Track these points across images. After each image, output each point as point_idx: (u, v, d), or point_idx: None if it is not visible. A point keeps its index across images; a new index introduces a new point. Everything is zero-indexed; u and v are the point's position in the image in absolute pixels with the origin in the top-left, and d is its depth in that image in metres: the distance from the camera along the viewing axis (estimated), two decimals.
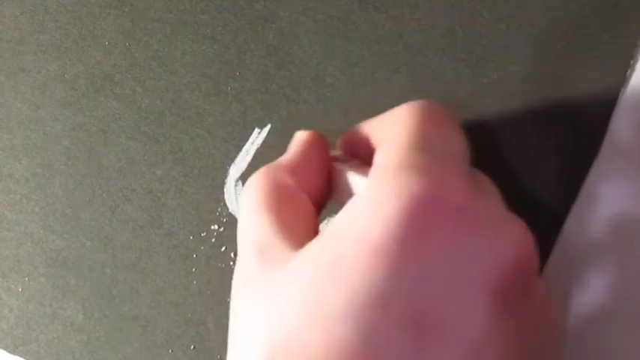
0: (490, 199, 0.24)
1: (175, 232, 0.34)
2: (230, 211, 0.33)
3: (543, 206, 0.30)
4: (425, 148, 0.23)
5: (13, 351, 0.35)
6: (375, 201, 0.21)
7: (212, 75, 0.34)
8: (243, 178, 0.33)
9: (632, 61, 0.30)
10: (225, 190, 0.33)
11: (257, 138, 0.33)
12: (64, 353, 0.35)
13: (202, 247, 0.33)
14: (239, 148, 0.33)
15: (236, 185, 0.33)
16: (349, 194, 0.25)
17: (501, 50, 0.31)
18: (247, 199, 0.25)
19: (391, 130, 0.24)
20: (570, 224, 0.30)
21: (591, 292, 0.30)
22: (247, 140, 0.33)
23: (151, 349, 0.34)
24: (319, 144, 0.27)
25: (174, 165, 0.34)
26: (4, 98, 0.36)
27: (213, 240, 0.33)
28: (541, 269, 0.30)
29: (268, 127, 0.33)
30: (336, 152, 0.28)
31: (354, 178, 0.25)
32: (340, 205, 0.24)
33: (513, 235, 0.22)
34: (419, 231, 0.21)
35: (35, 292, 0.35)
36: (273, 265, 0.23)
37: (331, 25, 0.32)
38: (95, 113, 0.35)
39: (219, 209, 0.33)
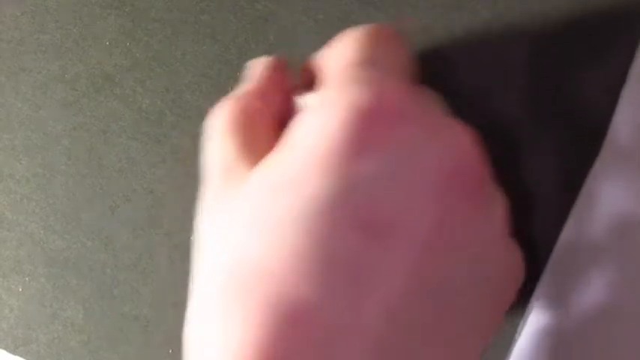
0: (432, 106, 0.25)
1: (176, 232, 0.34)
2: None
3: (543, 206, 0.31)
4: (368, 63, 0.24)
5: (13, 351, 0.35)
6: (317, 115, 0.23)
7: (213, 75, 0.34)
8: None
9: (633, 61, 0.30)
10: None
11: None
12: (65, 353, 0.35)
13: None
14: None
15: None
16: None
17: (501, 50, 0.31)
18: (215, 123, 0.26)
19: (335, 53, 0.26)
20: (570, 224, 0.30)
21: (591, 292, 0.30)
22: None
23: (151, 349, 0.34)
24: (279, 67, 0.28)
25: (175, 165, 0.34)
26: (5, 98, 0.36)
27: None
28: (541, 269, 0.31)
29: None
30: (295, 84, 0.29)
31: (305, 97, 0.26)
32: None
33: (455, 137, 0.23)
34: (362, 138, 0.22)
35: (35, 292, 0.35)
36: (235, 185, 0.24)
37: (332, 25, 0.33)
38: (96, 113, 0.35)
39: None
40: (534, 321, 0.30)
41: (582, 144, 0.30)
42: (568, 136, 0.31)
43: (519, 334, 0.31)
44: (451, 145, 0.23)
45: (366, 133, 0.22)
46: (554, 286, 0.30)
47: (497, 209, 0.25)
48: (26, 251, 0.35)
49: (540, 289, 0.31)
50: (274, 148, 0.24)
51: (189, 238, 0.34)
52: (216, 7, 0.34)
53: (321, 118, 0.22)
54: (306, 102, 0.26)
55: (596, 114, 0.30)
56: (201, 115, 0.34)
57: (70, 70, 0.35)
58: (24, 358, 0.35)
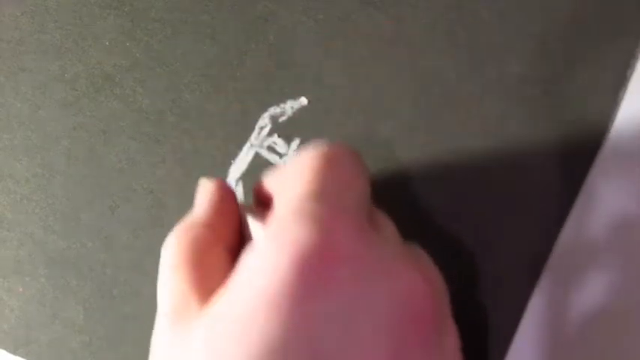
0: (387, 242, 0.25)
1: None
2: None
3: (544, 206, 0.31)
4: (318, 195, 0.24)
5: (13, 351, 0.35)
6: (266, 255, 0.22)
7: (213, 75, 0.34)
8: (244, 178, 0.34)
9: (632, 61, 0.30)
10: None
11: (257, 138, 0.34)
12: (65, 354, 0.35)
13: None
14: (239, 148, 0.34)
15: (236, 185, 0.34)
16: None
17: (502, 50, 0.31)
18: (163, 258, 0.26)
19: (289, 179, 0.25)
20: (570, 224, 0.30)
21: (591, 292, 0.30)
22: (248, 140, 0.34)
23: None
24: (227, 192, 0.28)
25: (175, 165, 0.34)
26: (5, 98, 0.36)
27: None
28: (542, 269, 0.31)
29: (269, 127, 0.34)
30: (247, 204, 0.29)
31: (254, 226, 0.26)
32: None
33: (407, 279, 0.23)
34: (310, 281, 0.22)
35: (36, 292, 0.35)
36: (188, 322, 0.24)
37: (332, 25, 0.33)
38: (95, 113, 0.35)
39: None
40: (534, 320, 0.31)
41: (583, 143, 0.31)
42: (568, 136, 0.31)
43: (519, 334, 0.31)
44: (402, 287, 0.23)
45: (315, 276, 0.22)
46: (554, 285, 0.31)
47: (449, 341, 0.25)
48: (26, 251, 0.35)
49: (540, 288, 0.31)
50: (225, 283, 0.24)
51: None
52: (216, 8, 0.34)
53: (268, 258, 0.22)
54: (253, 230, 0.26)
55: (596, 114, 0.30)
56: (201, 115, 0.34)
57: (69, 70, 0.35)
58: (24, 358, 0.35)
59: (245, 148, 0.34)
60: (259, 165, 0.34)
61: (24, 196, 0.36)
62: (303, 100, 0.33)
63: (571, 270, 0.30)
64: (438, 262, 0.31)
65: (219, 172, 0.34)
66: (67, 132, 0.35)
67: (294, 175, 0.25)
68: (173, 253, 0.25)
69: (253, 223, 0.27)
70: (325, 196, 0.24)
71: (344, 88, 0.33)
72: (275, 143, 0.34)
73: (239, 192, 0.34)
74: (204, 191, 0.28)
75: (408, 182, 0.32)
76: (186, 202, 0.34)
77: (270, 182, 0.27)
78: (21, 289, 0.36)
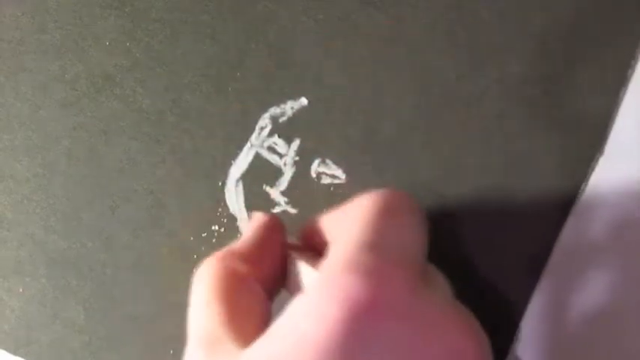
0: (439, 299, 0.25)
1: (176, 232, 0.34)
2: (231, 211, 0.34)
3: (544, 206, 0.31)
4: (374, 246, 0.23)
5: (14, 352, 0.36)
6: (318, 303, 0.22)
7: (213, 75, 0.34)
8: (244, 178, 0.34)
9: (632, 61, 0.30)
10: (225, 190, 0.34)
11: (257, 138, 0.34)
12: (66, 354, 0.35)
13: (203, 248, 0.34)
14: (240, 149, 0.34)
15: (237, 186, 0.34)
16: (299, 286, 0.26)
17: (501, 50, 0.31)
18: (197, 287, 0.25)
19: (344, 226, 0.25)
20: (570, 225, 0.31)
21: (591, 292, 0.30)
22: (248, 140, 0.34)
23: (152, 350, 0.34)
24: (275, 229, 0.28)
25: (175, 165, 0.34)
26: (5, 98, 0.36)
27: (213, 240, 0.34)
28: (542, 270, 0.31)
29: (269, 127, 0.34)
30: (294, 240, 0.29)
31: (306, 270, 0.26)
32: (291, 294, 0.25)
33: (453, 338, 0.23)
34: (359, 334, 0.21)
35: (36, 292, 0.35)
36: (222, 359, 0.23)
37: (332, 25, 0.33)
38: (96, 113, 0.35)
39: (220, 210, 0.34)
40: (534, 320, 0.31)
41: (584, 144, 0.31)
42: (569, 136, 0.31)
43: (519, 334, 0.31)
44: (452, 345, 0.23)
45: (363, 327, 0.22)
46: (554, 285, 0.31)
47: None
48: (27, 252, 0.36)
49: (541, 288, 0.31)
50: (265, 319, 0.24)
51: (189, 238, 0.34)
52: (216, 8, 0.34)
53: (319, 308, 0.22)
54: (303, 273, 0.26)
55: (597, 114, 0.30)
56: (201, 115, 0.34)
57: (70, 70, 0.36)
58: (25, 358, 0.36)
59: (245, 149, 0.34)
60: (260, 165, 0.34)
61: (24, 197, 0.36)
62: (304, 101, 0.33)
63: (571, 271, 0.30)
64: (440, 263, 0.31)
65: (219, 172, 0.34)
66: (67, 132, 0.35)
67: (351, 220, 0.25)
68: (207, 284, 0.25)
69: (304, 267, 0.26)
70: (381, 247, 0.23)
71: (344, 88, 0.33)
72: (275, 143, 0.34)
73: (239, 192, 0.34)
74: (253, 223, 0.28)
75: (407, 182, 0.32)
76: (186, 202, 0.34)
77: (324, 224, 0.27)
78: (21, 290, 0.36)
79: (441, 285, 0.26)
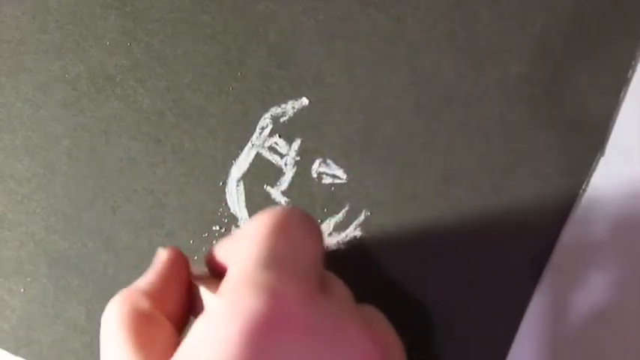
0: (338, 307, 0.25)
1: (177, 232, 0.35)
2: (231, 211, 0.34)
3: (545, 206, 0.31)
4: (268, 263, 0.24)
5: (15, 352, 0.36)
6: (217, 320, 0.23)
7: (213, 75, 0.34)
8: (245, 178, 0.34)
9: (633, 62, 0.30)
10: (226, 190, 0.34)
11: (258, 138, 0.34)
12: (67, 354, 0.35)
13: (204, 249, 0.34)
14: (240, 149, 0.34)
15: (237, 186, 0.34)
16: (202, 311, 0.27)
17: (502, 50, 0.32)
18: (104, 327, 0.26)
19: (241, 247, 0.26)
20: (572, 224, 0.31)
21: (591, 292, 0.30)
22: (249, 140, 0.34)
23: None
24: (178, 263, 0.28)
25: (176, 165, 0.35)
26: (6, 98, 0.36)
27: (214, 241, 0.34)
28: (543, 270, 0.31)
29: (270, 127, 0.34)
30: (199, 270, 0.29)
31: (206, 295, 0.27)
32: None
33: (358, 344, 0.24)
34: (260, 349, 0.22)
35: (37, 292, 0.36)
36: None
37: (332, 25, 0.33)
38: (96, 113, 0.35)
39: (221, 210, 0.34)
40: (534, 320, 0.31)
41: (584, 144, 0.31)
42: (569, 136, 0.31)
43: (520, 334, 0.31)
44: (352, 352, 0.24)
45: (264, 341, 0.22)
46: (554, 285, 0.31)
47: None
48: (27, 252, 0.36)
49: (541, 288, 0.31)
50: (172, 351, 0.25)
51: (190, 238, 0.34)
52: (217, 8, 0.34)
53: (218, 326, 0.23)
54: (204, 298, 0.27)
55: (597, 115, 0.31)
56: (201, 115, 0.34)
57: (70, 70, 0.36)
58: (26, 359, 0.36)
59: (246, 149, 0.34)
60: (260, 165, 0.34)
61: (25, 196, 0.36)
62: (304, 100, 0.34)
63: (571, 271, 0.31)
64: (441, 263, 0.32)
65: (220, 172, 0.34)
66: (68, 132, 0.36)
67: (245, 241, 0.26)
68: (113, 323, 0.26)
69: (205, 292, 0.27)
70: (275, 263, 0.24)
71: (344, 88, 0.33)
72: (276, 143, 0.34)
73: (240, 192, 0.34)
74: (156, 258, 0.29)
75: (408, 182, 0.33)
76: (187, 203, 0.34)
77: (222, 250, 0.28)
78: (22, 290, 0.36)
79: (341, 293, 0.27)
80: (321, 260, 0.27)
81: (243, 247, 0.26)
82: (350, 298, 0.27)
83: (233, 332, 0.22)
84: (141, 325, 0.26)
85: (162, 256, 0.29)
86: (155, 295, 0.27)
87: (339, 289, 0.27)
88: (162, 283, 0.28)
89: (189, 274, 0.29)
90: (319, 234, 0.27)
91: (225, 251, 0.28)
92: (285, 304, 0.23)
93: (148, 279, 0.28)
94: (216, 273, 0.28)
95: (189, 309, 0.28)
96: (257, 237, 0.26)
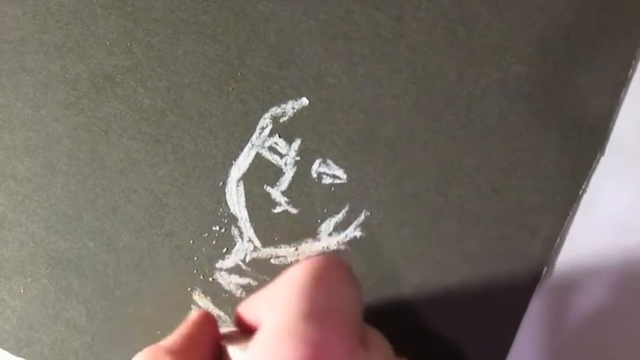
0: (377, 358, 0.25)
1: (177, 232, 0.35)
2: (231, 211, 0.34)
3: (545, 206, 0.31)
4: (309, 315, 0.24)
5: (16, 352, 0.36)
6: None
7: (213, 75, 0.35)
8: (245, 178, 0.34)
9: (633, 62, 0.30)
10: (226, 190, 0.34)
11: (258, 138, 0.34)
12: (68, 354, 0.35)
13: (204, 249, 0.35)
14: (241, 149, 0.34)
15: (237, 186, 0.34)
16: None
17: (502, 50, 0.32)
18: None
19: (275, 301, 0.25)
20: (574, 225, 0.31)
21: (591, 294, 0.30)
22: (249, 140, 0.34)
23: None
24: (207, 324, 0.28)
25: (176, 165, 0.35)
26: (6, 98, 0.36)
27: (214, 242, 0.34)
28: (542, 271, 0.31)
29: (270, 127, 0.34)
30: (229, 330, 0.29)
31: (235, 353, 0.27)
32: None
33: None
34: None
35: (38, 293, 0.36)
36: None
37: (332, 25, 0.33)
38: (97, 113, 0.36)
39: (221, 210, 0.34)
40: (534, 321, 0.31)
41: (583, 145, 0.31)
42: (569, 136, 0.31)
43: (519, 334, 0.31)
44: None
45: None
46: (554, 285, 0.31)
47: None
48: (28, 252, 0.36)
49: (541, 288, 0.31)
50: None
51: (190, 238, 0.35)
52: (217, 8, 0.34)
53: None
54: (232, 356, 0.27)
55: (598, 115, 0.31)
56: (202, 115, 0.35)
57: (71, 70, 0.36)
58: (27, 359, 0.36)
59: (246, 149, 0.34)
60: (260, 165, 0.34)
61: (25, 197, 0.36)
62: (304, 101, 0.34)
63: (571, 271, 0.31)
64: (440, 263, 0.32)
65: (220, 172, 0.34)
66: (68, 132, 0.36)
67: (282, 293, 0.25)
68: None
69: (233, 350, 0.27)
70: (315, 314, 0.24)
71: (344, 88, 0.33)
72: (276, 143, 0.34)
73: (240, 192, 0.34)
74: (186, 319, 0.29)
75: (408, 182, 0.33)
76: (187, 203, 0.35)
77: (252, 306, 0.27)
78: (23, 290, 0.36)
79: (381, 346, 0.26)
80: (361, 312, 0.26)
81: (279, 300, 0.25)
82: (390, 351, 0.27)
83: None
84: None
85: (191, 315, 0.29)
86: (180, 353, 0.27)
87: (380, 342, 0.27)
88: (188, 342, 0.27)
89: (217, 333, 0.28)
90: (358, 285, 0.26)
91: (255, 307, 0.27)
92: (329, 356, 0.23)
93: (173, 338, 0.27)
94: (246, 331, 0.27)
95: None
96: (295, 288, 0.25)
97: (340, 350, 0.23)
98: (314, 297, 0.24)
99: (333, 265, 0.26)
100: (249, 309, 0.27)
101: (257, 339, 0.24)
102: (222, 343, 0.28)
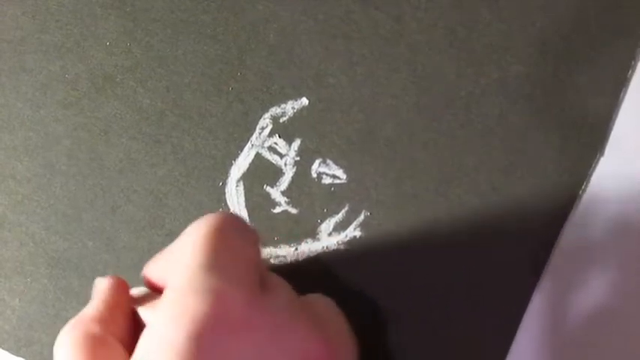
0: (280, 305, 0.26)
1: (177, 232, 0.34)
2: (231, 211, 0.34)
3: (545, 206, 0.31)
4: (208, 268, 0.25)
5: (16, 352, 0.36)
6: (161, 330, 0.24)
7: (213, 75, 0.35)
8: (245, 178, 0.34)
9: (633, 62, 0.30)
10: (226, 190, 0.34)
11: (258, 138, 0.34)
12: None
13: None
14: (240, 149, 0.34)
15: (237, 186, 0.34)
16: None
17: (502, 50, 0.32)
18: (58, 356, 0.27)
19: (178, 257, 0.27)
20: (572, 224, 0.31)
21: (591, 292, 0.30)
22: (249, 140, 0.34)
23: None
24: (119, 288, 0.29)
25: (176, 165, 0.35)
26: (6, 98, 0.36)
27: None
28: (543, 270, 0.31)
29: (269, 127, 0.34)
30: (139, 291, 0.30)
31: (144, 313, 0.28)
32: None
33: (301, 339, 0.25)
34: (207, 352, 0.23)
35: (38, 293, 0.36)
36: None
37: (332, 25, 0.33)
38: (96, 113, 0.36)
39: (221, 210, 0.34)
40: (534, 320, 0.31)
41: (585, 145, 0.31)
42: (569, 136, 0.31)
43: (519, 333, 0.31)
44: (295, 348, 0.25)
45: (209, 344, 0.23)
46: (554, 285, 0.31)
47: None
48: (28, 252, 0.36)
49: (541, 288, 0.31)
50: None
51: None
52: (217, 8, 0.35)
53: (163, 335, 0.24)
54: (143, 316, 0.28)
55: (597, 115, 0.31)
56: (201, 115, 0.35)
57: (70, 70, 0.36)
58: (27, 359, 0.36)
59: (246, 149, 0.34)
60: (260, 165, 0.34)
61: (25, 197, 0.36)
62: (304, 100, 0.34)
63: (571, 271, 0.31)
64: (440, 263, 0.32)
65: (220, 172, 0.35)
66: (68, 132, 0.36)
67: (180, 252, 0.26)
68: (66, 351, 0.26)
69: (142, 310, 0.28)
70: (215, 267, 0.25)
71: (344, 88, 0.33)
72: (276, 143, 0.34)
73: (240, 193, 0.34)
74: (97, 289, 0.29)
75: (408, 182, 0.33)
76: (187, 203, 0.35)
77: (157, 266, 0.28)
78: (23, 290, 0.36)
79: (283, 289, 0.28)
80: (260, 261, 0.28)
81: (179, 257, 0.26)
82: (292, 294, 0.28)
83: (178, 337, 0.23)
84: (95, 348, 0.26)
85: (102, 284, 0.29)
86: (103, 319, 0.27)
87: (281, 286, 0.28)
88: (107, 309, 0.28)
89: (130, 297, 0.29)
90: (254, 237, 0.28)
91: (159, 267, 0.28)
92: (228, 306, 0.24)
93: (93, 306, 0.28)
94: (156, 291, 0.29)
95: (137, 332, 0.28)
96: (193, 245, 0.26)
97: (240, 297, 0.24)
98: (211, 251, 0.26)
99: (226, 219, 0.27)
100: (155, 270, 0.29)
101: (163, 298, 0.25)
102: (133, 305, 0.29)
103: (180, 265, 0.26)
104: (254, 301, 0.25)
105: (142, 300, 0.29)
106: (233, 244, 0.27)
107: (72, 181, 0.36)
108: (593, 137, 0.31)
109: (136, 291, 0.30)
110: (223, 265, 0.26)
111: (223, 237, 0.27)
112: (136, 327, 0.28)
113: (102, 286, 0.29)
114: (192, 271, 0.25)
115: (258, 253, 0.28)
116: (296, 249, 0.34)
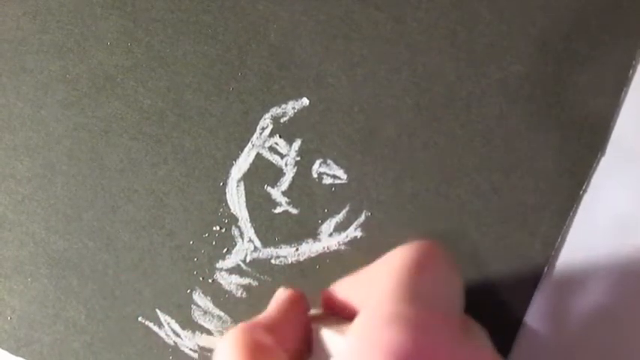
0: (477, 345, 0.25)
1: (177, 232, 0.35)
2: (232, 212, 0.34)
3: (545, 207, 0.31)
4: (412, 299, 0.23)
5: (15, 352, 0.36)
6: (358, 356, 0.22)
7: (214, 75, 0.35)
8: (245, 178, 0.34)
9: (634, 62, 0.31)
10: (226, 190, 0.35)
11: (259, 138, 0.34)
12: (67, 354, 0.36)
13: (204, 249, 0.35)
14: (241, 149, 0.35)
15: (238, 186, 0.34)
16: (326, 354, 0.27)
17: (502, 51, 0.32)
18: (222, 354, 0.26)
19: (375, 284, 0.25)
20: (574, 225, 0.31)
21: (592, 293, 0.30)
22: (249, 141, 0.35)
23: (153, 350, 0.35)
24: (298, 303, 0.29)
25: (176, 165, 0.35)
26: (6, 98, 0.37)
27: (214, 242, 0.35)
28: (543, 271, 0.31)
29: (270, 127, 0.34)
30: (315, 311, 0.29)
31: (330, 337, 0.27)
32: None
33: None
34: None
35: (38, 293, 0.36)
36: None
37: (332, 25, 0.34)
38: (97, 113, 0.36)
39: (221, 210, 0.35)
40: (535, 321, 0.31)
41: (584, 145, 0.31)
42: (569, 136, 0.31)
43: (520, 334, 0.31)
44: None
45: None
46: (555, 286, 0.31)
47: None
48: (28, 252, 0.36)
49: (541, 288, 0.31)
50: None
51: (190, 238, 0.35)
52: (218, 8, 0.35)
53: (363, 358, 0.22)
54: (328, 341, 0.26)
55: (598, 115, 0.31)
56: (202, 115, 0.35)
57: (71, 70, 0.36)
58: (26, 359, 0.36)
59: (246, 149, 0.34)
60: (261, 165, 0.34)
61: (25, 196, 0.36)
62: (305, 101, 0.34)
63: (572, 271, 0.31)
64: None
65: (220, 172, 0.35)
66: (68, 132, 0.36)
67: (382, 277, 0.25)
68: (233, 353, 0.25)
69: (328, 334, 0.27)
70: (419, 299, 0.23)
71: (344, 88, 0.33)
72: (277, 144, 0.34)
73: (240, 193, 0.34)
74: (277, 297, 0.29)
75: (408, 182, 0.33)
76: (187, 203, 0.35)
77: (343, 289, 0.27)
78: (23, 290, 0.36)
79: (479, 335, 0.26)
80: (462, 299, 0.26)
81: (380, 282, 0.25)
82: (488, 341, 0.26)
83: None
84: (258, 355, 0.25)
85: (282, 293, 0.29)
86: (274, 330, 0.27)
87: (478, 331, 0.27)
88: (281, 321, 0.27)
89: (307, 314, 0.29)
90: (458, 270, 0.26)
91: (348, 290, 0.27)
92: (433, 340, 0.22)
93: (267, 315, 0.28)
94: (334, 313, 0.28)
95: (306, 350, 0.28)
96: (397, 272, 0.25)
97: (444, 333, 0.23)
98: (416, 282, 0.24)
99: (432, 250, 0.26)
100: (340, 292, 0.27)
101: (358, 323, 0.24)
102: (313, 325, 0.28)
103: (379, 292, 0.24)
104: (458, 338, 0.23)
105: (323, 319, 0.28)
106: (439, 275, 0.25)
107: (72, 181, 0.36)
108: (593, 137, 0.31)
109: (314, 312, 0.29)
110: (428, 298, 0.24)
111: (431, 269, 0.25)
112: (306, 344, 0.28)
113: (282, 297, 0.29)
114: (392, 301, 0.23)
115: (461, 288, 0.26)
116: (297, 249, 0.34)
